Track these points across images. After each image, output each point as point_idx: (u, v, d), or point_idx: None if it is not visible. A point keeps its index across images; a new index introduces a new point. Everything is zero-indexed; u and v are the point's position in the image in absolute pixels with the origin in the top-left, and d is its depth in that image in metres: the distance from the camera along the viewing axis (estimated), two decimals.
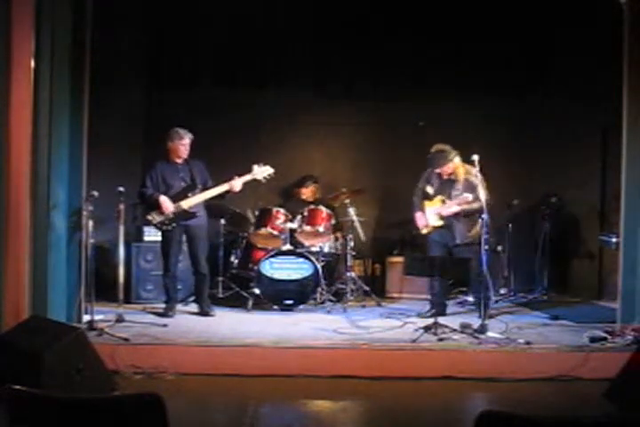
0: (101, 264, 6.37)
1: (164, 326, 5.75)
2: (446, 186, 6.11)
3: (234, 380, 4.81)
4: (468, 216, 6.03)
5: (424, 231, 6.26)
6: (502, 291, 7.31)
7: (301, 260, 6.63)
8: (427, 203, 6.23)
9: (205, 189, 6.16)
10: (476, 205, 5.88)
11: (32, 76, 5.14)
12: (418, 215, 6.26)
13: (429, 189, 6.19)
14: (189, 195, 6.11)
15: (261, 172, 6.17)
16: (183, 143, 6.13)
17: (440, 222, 6.13)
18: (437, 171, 6.10)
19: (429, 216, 6.20)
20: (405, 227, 7.14)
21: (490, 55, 7.48)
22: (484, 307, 5.55)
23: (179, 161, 6.20)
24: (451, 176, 6.09)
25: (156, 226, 6.15)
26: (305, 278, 6.59)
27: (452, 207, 6.03)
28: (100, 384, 4.36)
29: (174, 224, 6.09)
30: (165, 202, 6.06)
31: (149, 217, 6.13)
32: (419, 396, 4.64)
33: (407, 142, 7.61)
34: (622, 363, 4.38)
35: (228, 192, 6.15)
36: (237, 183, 6.08)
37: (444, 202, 6.11)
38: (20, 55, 5.08)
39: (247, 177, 6.14)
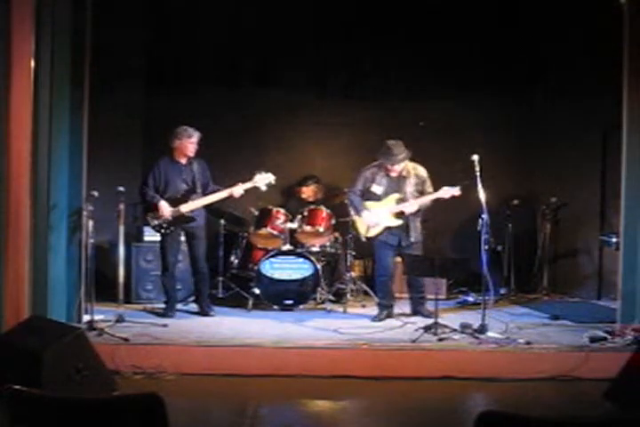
0: (101, 264, 6.37)
1: (164, 326, 5.75)
2: (399, 184, 5.96)
3: (234, 380, 4.81)
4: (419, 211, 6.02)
5: (370, 234, 6.05)
6: (502, 291, 7.30)
7: (301, 260, 6.62)
8: (373, 204, 6.01)
9: (206, 192, 6.14)
10: (428, 198, 5.93)
11: (32, 76, 5.14)
12: (365, 215, 5.99)
13: (376, 189, 5.99)
14: (189, 200, 6.09)
15: (262, 179, 6.09)
16: (192, 141, 6.09)
17: (396, 222, 5.95)
18: (393, 167, 5.91)
19: (382, 216, 5.98)
20: None
21: (490, 55, 7.47)
22: (484, 306, 5.55)
23: (183, 161, 6.16)
24: (402, 173, 5.95)
25: (154, 228, 6.15)
26: (305, 278, 6.59)
27: (415, 205, 5.92)
28: (99, 384, 4.36)
29: (172, 228, 6.08)
30: (163, 208, 6.03)
31: (148, 219, 6.12)
32: (419, 396, 4.64)
33: (407, 142, 7.57)
34: (622, 363, 4.39)
35: (228, 198, 6.14)
36: (238, 190, 6.05)
37: (402, 200, 5.95)
38: (19, 55, 5.08)
39: (248, 184, 6.09)
